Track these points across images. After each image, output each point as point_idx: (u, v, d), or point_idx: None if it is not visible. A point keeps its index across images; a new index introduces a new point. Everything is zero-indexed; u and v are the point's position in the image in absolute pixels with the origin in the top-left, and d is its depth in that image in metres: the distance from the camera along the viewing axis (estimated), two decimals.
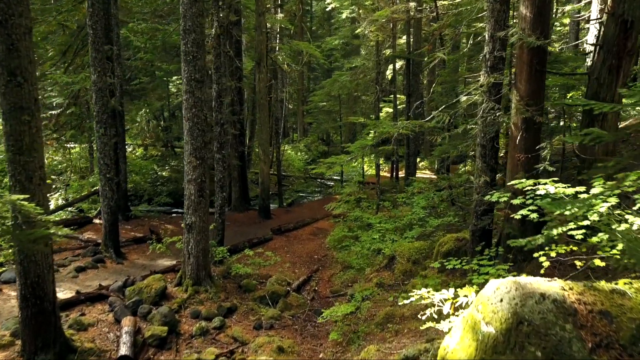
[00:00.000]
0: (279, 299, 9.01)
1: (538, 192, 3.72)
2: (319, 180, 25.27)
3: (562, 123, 12.41)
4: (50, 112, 12.38)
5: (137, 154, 25.38)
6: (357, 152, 7.38)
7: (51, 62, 13.76)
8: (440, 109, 6.90)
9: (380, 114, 24.21)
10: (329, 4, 23.77)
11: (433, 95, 12.35)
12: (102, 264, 10.20)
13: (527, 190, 3.86)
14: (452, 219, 9.84)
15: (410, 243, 10.02)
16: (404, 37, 24.36)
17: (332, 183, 25.01)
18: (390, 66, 26.25)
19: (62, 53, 13.31)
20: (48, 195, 14.97)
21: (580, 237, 3.73)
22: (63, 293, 8.58)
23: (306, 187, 23.65)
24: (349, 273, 10.34)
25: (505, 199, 4.57)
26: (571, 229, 3.69)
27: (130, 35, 16.81)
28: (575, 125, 11.81)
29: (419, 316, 4.46)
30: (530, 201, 4.25)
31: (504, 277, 5.68)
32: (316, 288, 9.88)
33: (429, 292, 4.23)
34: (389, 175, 23.81)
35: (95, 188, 14.53)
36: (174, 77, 22.92)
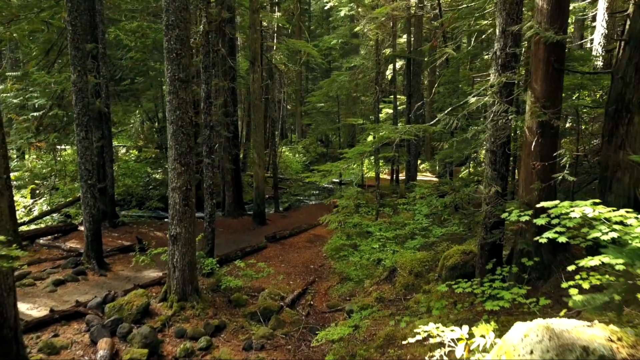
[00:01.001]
0: (272, 315, 8.37)
1: (572, 215, 3.07)
2: (316, 183, 24.63)
3: (567, 125, 11.78)
4: (32, 113, 11.74)
5: (131, 156, 24.77)
6: (354, 159, 6.76)
7: (35, 62, 13.12)
8: (446, 112, 6.26)
9: (380, 115, 23.57)
10: (327, 2, 23.14)
11: (435, 96, 11.70)
12: (84, 276, 9.55)
13: (552, 210, 3.21)
14: (457, 229, 9.20)
15: (412, 254, 9.39)
16: (405, 35, 23.76)
17: (331, 186, 24.38)
18: (390, 66, 25.65)
19: (45, 52, 12.67)
20: (32, 201, 14.33)
21: (621, 267, 3.10)
22: (37, 310, 7.94)
23: (304, 191, 23.00)
24: (347, 286, 9.71)
25: (527, 218, 3.92)
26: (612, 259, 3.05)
27: (120, 34, 16.18)
28: (584, 127, 11.17)
29: (427, 358, 3.82)
30: (556, 221, 3.61)
31: (521, 303, 5.05)
32: (312, 302, 9.24)
33: (437, 328, 3.59)
34: (389, 177, 23.18)
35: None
36: None
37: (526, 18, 7.40)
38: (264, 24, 21.91)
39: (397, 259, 9.20)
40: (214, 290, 9.31)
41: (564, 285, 3.55)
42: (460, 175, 20.94)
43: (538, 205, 3.46)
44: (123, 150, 25.86)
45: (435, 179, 23.52)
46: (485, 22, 14.04)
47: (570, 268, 3.23)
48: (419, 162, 24.71)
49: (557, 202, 3.27)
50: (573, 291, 3.48)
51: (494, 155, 6.47)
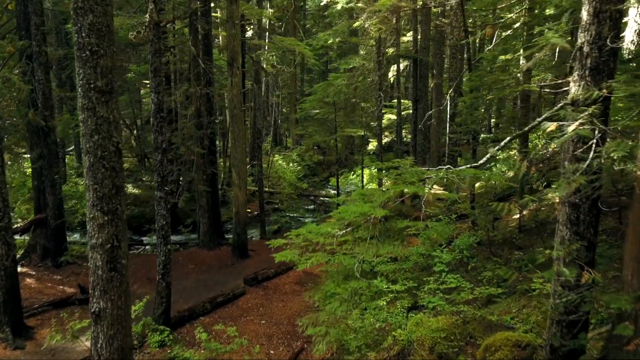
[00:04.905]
0: None
1: None
2: (312, 197, 22.22)
3: None
4: None
5: None
6: (355, 222, 4.41)
7: None
8: (502, 144, 3.85)
9: (383, 122, 21.17)
10: None
11: (458, 107, 9.27)
12: None
13: None
14: (495, 290, 6.79)
15: (432, 320, 7.01)
16: (410, 33, 21.43)
17: (328, 199, 21.99)
18: (393, 67, 23.31)
19: None
20: None
21: None
22: None
23: (297, 209, 20.61)
24: None
25: None
26: None
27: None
28: None
29: None
30: None
31: None
32: None
33: None
34: None
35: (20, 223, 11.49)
36: None
37: None
38: (252, 20, 19.51)
39: (412, 330, 6.80)
40: None
41: None
42: (476, 188, 18.51)
43: None
44: None
45: (445, 192, 21.12)
46: (511, 15, 11.70)
47: None
48: None
49: None
50: None
51: (575, 211, 4.07)
